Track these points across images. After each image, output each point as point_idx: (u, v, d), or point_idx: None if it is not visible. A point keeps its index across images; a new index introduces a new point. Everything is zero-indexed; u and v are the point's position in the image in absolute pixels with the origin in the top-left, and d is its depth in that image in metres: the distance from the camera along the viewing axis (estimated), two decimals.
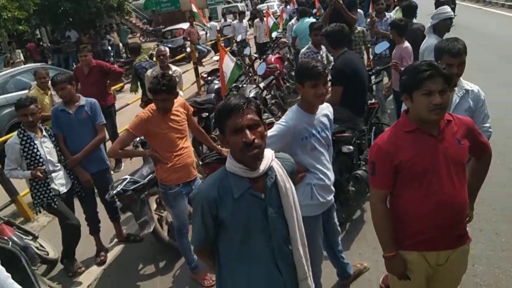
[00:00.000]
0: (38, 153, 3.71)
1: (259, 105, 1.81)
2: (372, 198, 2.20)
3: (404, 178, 2.06)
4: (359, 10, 7.22)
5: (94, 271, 4.10)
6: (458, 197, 2.04)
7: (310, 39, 5.84)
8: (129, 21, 25.86)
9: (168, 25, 20.96)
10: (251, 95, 5.94)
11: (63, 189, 3.86)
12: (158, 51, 5.87)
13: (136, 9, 27.05)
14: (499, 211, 3.94)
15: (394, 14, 7.23)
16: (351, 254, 3.66)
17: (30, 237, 4.17)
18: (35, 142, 3.73)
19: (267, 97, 7.17)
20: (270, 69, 7.56)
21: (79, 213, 4.18)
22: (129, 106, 7.82)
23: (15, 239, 3.53)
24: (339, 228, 3.16)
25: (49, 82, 5.37)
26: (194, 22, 16.16)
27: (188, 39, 14.72)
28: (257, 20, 12.09)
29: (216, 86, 6.70)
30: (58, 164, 3.87)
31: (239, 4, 28.27)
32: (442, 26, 4.28)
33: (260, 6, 24.69)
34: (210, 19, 19.31)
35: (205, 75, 8.41)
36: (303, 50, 5.87)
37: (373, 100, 4.84)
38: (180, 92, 5.27)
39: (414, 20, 6.06)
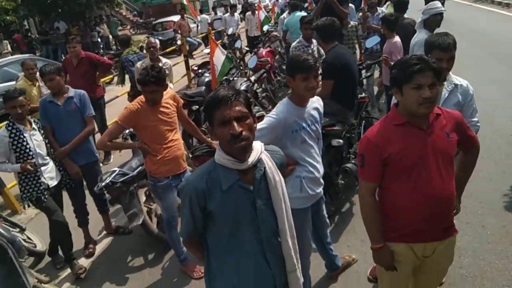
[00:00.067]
0: (28, 146, 3.64)
1: (248, 97, 1.81)
2: (361, 190, 2.22)
3: (393, 171, 2.08)
4: (350, 4, 7.23)
5: (83, 264, 4.07)
6: (446, 191, 2.06)
7: (301, 33, 5.83)
8: (119, 13, 25.59)
9: (159, 18, 20.75)
10: (242, 88, 5.93)
11: (52, 183, 3.81)
12: (148, 43, 5.81)
13: (126, 1, 26.79)
14: (485, 204, 4.00)
15: (385, 9, 7.26)
16: (339, 246, 3.70)
17: (18, 229, 4.14)
18: (25, 135, 3.65)
19: (258, 90, 7.15)
20: (261, 63, 7.54)
21: (68, 205, 4.15)
22: (119, 99, 7.74)
23: (2, 231, 3.47)
24: (328, 221, 3.19)
25: (37, 73, 5.31)
26: (185, 15, 16.03)
27: (179, 31, 14.59)
28: (248, 13, 12.03)
29: (206, 79, 6.68)
30: (47, 157, 3.82)
31: None
32: (432, 21, 4.31)
33: None
34: (201, 11, 19.17)
35: (195, 68, 8.36)
36: (294, 44, 5.87)
37: (363, 94, 4.86)
38: (170, 85, 5.23)
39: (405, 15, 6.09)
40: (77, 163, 3.99)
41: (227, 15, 13.95)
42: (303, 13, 7.20)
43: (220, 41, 11.61)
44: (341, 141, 3.96)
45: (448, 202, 2.09)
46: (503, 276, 3.15)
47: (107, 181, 3.68)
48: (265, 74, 7.45)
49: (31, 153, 3.64)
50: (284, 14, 8.95)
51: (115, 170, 3.78)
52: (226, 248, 1.82)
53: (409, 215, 2.09)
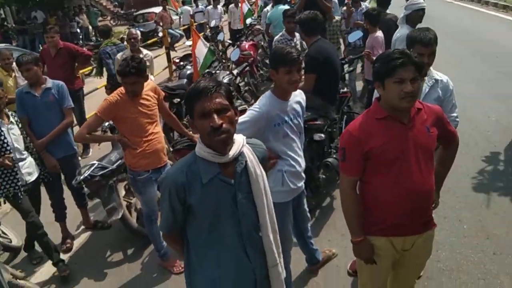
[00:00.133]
0: (6, 141, 3.46)
1: (230, 89, 1.78)
2: (342, 184, 2.22)
3: (374, 165, 2.08)
4: None
5: None
6: (426, 185, 2.07)
7: (284, 27, 5.80)
8: (99, 3, 25.09)
9: (140, 9, 20.38)
10: (225, 81, 5.88)
11: (30, 178, 3.68)
12: (129, 34, 5.71)
13: None
14: (462, 199, 4.08)
15: (368, 4, 7.30)
16: (320, 240, 3.71)
17: None
18: (2, 129, 3.48)
19: (240, 84, 7.11)
20: (244, 56, 7.49)
21: (45, 199, 4.06)
22: (98, 91, 7.58)
23: None
24: (308, 215, 3.20)
25: (14, 63, 5.16)
26: (167, 6, 15.80)
27: (160, 23, 14.39)
28: (231, 6, 11.91)
29: (188, 72, 6.60)
30: (25, 152, 3.68)
31: None
32: (414, 16, 4.34)
33: None
34: (184, 3, 18.92)
35: (177, 60, 8.25)
36: (276, 37, 5.83)
37: (345, 89, 4.88)
38: (151, 77, 5.15)
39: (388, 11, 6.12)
40: (54, 156, 3.90)
41: (210, 7, 13.79)
42: (286, 7, 7.16)
43: (202, 33, 11.46)
44: (322, 135, 3.97)
45: (428, 197, 2.11)
46: (478, 269, 3.22)
47: (86, 175, 3.60)
48: (247, 68, 7.41)
49: (8, 147, 3.47)
50: (268, 7, 8.90)
51: (94, 164, 3.71)
52: (206, 242, 1.79)
53: (390, 209, 2.10)
